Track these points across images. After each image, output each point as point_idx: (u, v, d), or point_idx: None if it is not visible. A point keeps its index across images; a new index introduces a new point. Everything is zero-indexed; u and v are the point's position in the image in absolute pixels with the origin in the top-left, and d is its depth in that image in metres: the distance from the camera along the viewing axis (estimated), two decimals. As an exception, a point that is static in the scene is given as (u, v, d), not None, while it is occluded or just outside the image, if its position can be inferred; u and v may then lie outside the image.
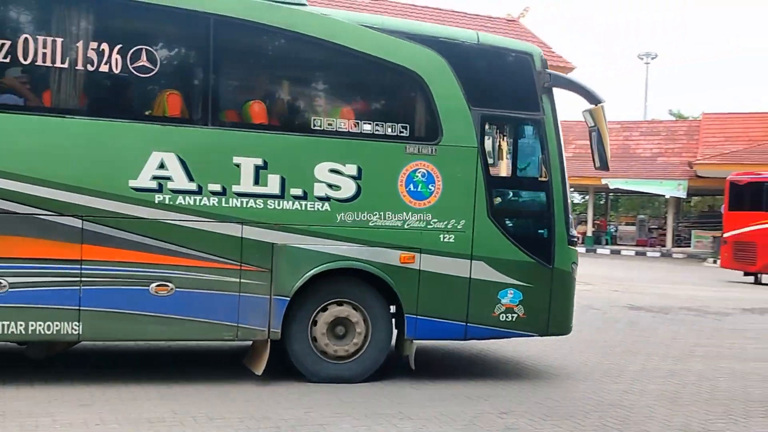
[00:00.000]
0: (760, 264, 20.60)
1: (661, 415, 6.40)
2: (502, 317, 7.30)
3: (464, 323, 7.22)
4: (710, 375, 8.20)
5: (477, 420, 5.95)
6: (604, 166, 7.65)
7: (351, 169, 6.85)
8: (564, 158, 7.55)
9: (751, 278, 21.08)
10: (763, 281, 20.89)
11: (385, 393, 6.72)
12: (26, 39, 6.08)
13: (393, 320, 7.23)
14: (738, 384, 7.83)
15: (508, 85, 7.49)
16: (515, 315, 7.33)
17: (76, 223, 6.18)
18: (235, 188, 6.55)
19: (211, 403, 6.05)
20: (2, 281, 6.03)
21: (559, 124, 7.54)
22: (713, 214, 35.56)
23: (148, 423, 5.39)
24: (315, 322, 6.92)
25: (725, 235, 21.96)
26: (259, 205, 6.61)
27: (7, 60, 6.08)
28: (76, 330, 6.22)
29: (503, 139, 7.67)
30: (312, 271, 6.76)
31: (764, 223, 20.55)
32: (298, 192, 6.71)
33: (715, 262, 26.53)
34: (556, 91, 7.54)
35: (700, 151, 32.43)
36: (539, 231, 7.55)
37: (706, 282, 20.78)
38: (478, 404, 6.47)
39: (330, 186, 6.80)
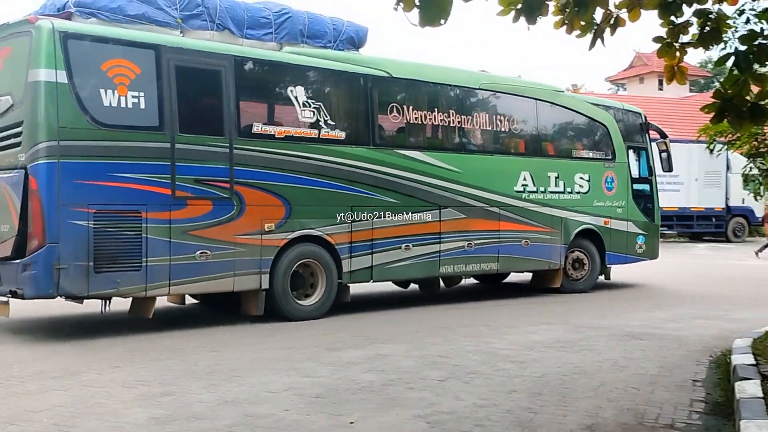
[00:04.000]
0: None
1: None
2: (638, 251, 14.05)
3: (625, 254, 13.86)
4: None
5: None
6: (670, 170, 14.74)
7: (586, 176, 13.13)
8: (654, 166, 14.45)
9: None
10: None
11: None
12: (473, 118, 11.58)
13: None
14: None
15: (633, 129, 14.20)
16: (643, 249, 14.11)
17: (496, 210, 11.79)
18: (549, 189, 12.53)
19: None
20: (472, 243, 11.46)
21: (652, 148, 14.43)
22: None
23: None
24: (565, 259, 13.07)
25: None
26: (556, 197, 12.65)
27: (470, 127, 11.55)
28: (495, 267, 11.85)
29: (634, 158, 14.37)
30: (575, 231, 12.94)
31: None
32: (569, 189, 12.85)
33: None
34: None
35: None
36: (648, 205, 14.36)
37: None
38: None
39: (579, 185, 13.02)
